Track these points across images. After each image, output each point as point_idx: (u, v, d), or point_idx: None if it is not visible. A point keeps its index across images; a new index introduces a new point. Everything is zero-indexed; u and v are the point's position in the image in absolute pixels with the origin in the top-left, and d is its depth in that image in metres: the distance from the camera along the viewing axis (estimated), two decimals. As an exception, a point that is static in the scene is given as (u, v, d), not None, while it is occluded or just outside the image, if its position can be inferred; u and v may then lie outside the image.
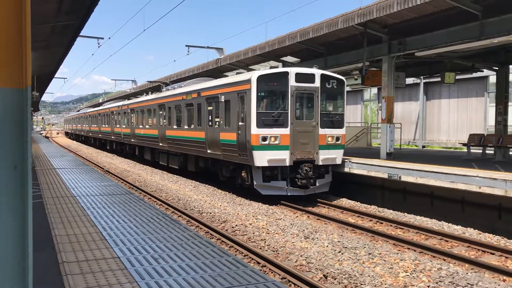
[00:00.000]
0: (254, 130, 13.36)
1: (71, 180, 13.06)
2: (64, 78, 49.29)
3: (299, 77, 13.78)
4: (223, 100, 15.36)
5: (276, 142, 13.47)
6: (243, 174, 14.43)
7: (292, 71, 13.81)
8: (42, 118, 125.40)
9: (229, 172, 15.67)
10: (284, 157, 13.55)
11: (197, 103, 17.76)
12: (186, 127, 18.98)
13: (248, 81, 13.67)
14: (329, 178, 14.61)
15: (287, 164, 13.62)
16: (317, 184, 14.07)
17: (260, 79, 13.48)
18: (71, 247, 5.80)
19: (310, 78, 13.97)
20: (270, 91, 13.93)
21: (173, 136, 20.43)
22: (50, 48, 18.35)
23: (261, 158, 13.34)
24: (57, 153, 26.30)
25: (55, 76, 31.59)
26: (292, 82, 13.65)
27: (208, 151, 16.44)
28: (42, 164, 18.22)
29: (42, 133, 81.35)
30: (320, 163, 14.04)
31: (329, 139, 14.24)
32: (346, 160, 14.87)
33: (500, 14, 11.83)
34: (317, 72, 14.16)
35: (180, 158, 20.26)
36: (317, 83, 14.02)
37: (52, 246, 5.87)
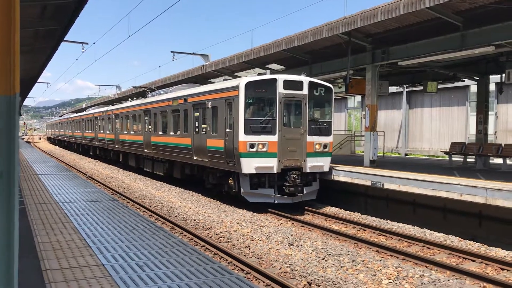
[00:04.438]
0: (242, 137, 13.25)
1: (53, 186, 12.91)
2: (47, 82, 48.70)
3: (287, 84, 13.73)
4: (210, 107, 15.25)
5: (264, 149, 13.38)
6: (230, 181, 14.30)
7: (280, 78, 13.75)
8: (24, 123, 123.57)
9: (215, 179, 15.51)
10: (271, 164, 13.46)
11: (183, 109, 17.62)
12: (172, 133, 18.81)
13: (236, 88, 13.59)
14: (316, 186, 14.59)
15: (275, 172, 13.52)
16: (305, 192, 14.03)
17: (248, 85, 13.41)
18: (54, 254, 5.74)
19: (298, 85, 13.93)
20: (258, 98, 13.83)
21: (159, 143, 20.23)
22: (33, 53, 18.15)
23: (249, 166, 13.24)
24: (39, 158, 25.97)
25: (38, 80, 31.20)
26: (280, 89, 13.57)
27: (195, 158, 16.30)
28: (24, 170, 17.98)
29: (23, 138, 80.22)
30: (308, 171, 13.98)
31: (317, 146, 14.21)
32: (330, 168, 14.95)
33: (481, 25, 12.12)
34: (305, 79, 14.13)
35: (165, 165, 20.06)
36: (305, 90, 13.99)
37: (35, 254, 5.81)
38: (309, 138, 14.06)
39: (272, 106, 13.69)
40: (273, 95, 13.57)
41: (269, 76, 14.13)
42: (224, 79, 18.02)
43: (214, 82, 22.21)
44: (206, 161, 15.39)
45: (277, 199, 13.79)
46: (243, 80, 13.78)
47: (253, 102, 13.80)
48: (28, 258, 5.63)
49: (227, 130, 13.99)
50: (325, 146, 14.41)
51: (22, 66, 21.17)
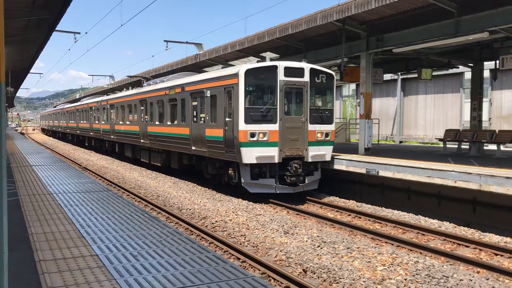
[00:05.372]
0: (242, 126, 12.90)
1: (47, 177, 12.85)
2: (40, 73, 48.32)
3: (288, 71, 13.35)
4: (208, 95, 14.84)
5: (265, 138, 13.08)
6: (230, 171, 14.02)
7: (281, 65, 13.35)
8: (17, 114, 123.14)
9: (215, 170, 15.21)
10: (273, 154, 13.15)
11: (181, 98, 17.21)
12: (169, 123, 18.47)
13: (236, 75, 13.17)
14: (318, 175, 14.33)
15: (276, 161, 13.24)
16: (306, 181, 13.78)
17: (248, 73, 13.00)
18: (48, 245, 5.72)
19: (299, 72, 13.56)
20: (258, 86, 13.46)
21: (155, 133, 19.90)
22: (25, 43, 17.98)
23: (249, 155, 12.92)
24: (33, 149, 25.85)
25: (31, 71, 30.97)
26: (281, 76, 13.20)
27: (193, 148, 15.97)
28: (18, 161, 17.89)
29: (17, 130, 79.85)
30: (310, 160, 13.71)
31: (319, 135, 13.91)
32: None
33: (475, 11, 12.07)
34: (306, 66, 13.75)
35: (162, 155, 19.74)
36: (307, 77, 13.62)
37: (29, 245, 5.79)
38: (311, 127, 13.75)
39: (272, 94, 13.31)
40: (274, 83, 13.20)
41: (269, 63, 13.71)
42: (222, 67, 17.65)
43: (208, 71, 22.07)
44: (205, 151, 15.07)
45: (279, 189, 13.50)
46: (242, 67, 13.34)
47: (253, 90, 13.39)
48: (21, 249, 5.61)
49: (227, 119, 13.64)
50: (326, 135, 14.10)
51: (14, 56, 20.98)
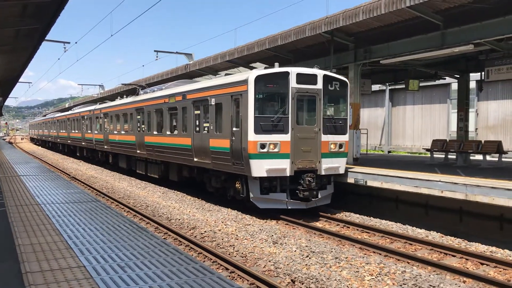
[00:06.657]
0: (252, 136, 12.10)
1: (35, 187, 12.77)
2: (29, 82, 48.07)
3: (301, 78, 12.55)
4: (213, 103, 14.04)
5: (276, 149, 12.26)
6: (237, 185, 13.20)
7: (293, 71, 12.54)
8: (6, 123, 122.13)
9: (219, 183, 14.37)
10: (284, 166, 12.31)
11: (182, 107, 16.33)
12: (168, 133, 17.61)
13: (245, 82, 12.38)
14: (331, 189, 13.52)
15: (288, 174, 12.39)
16: (319, 196, 12.95)
17: (258, 79, 12.19)
18: (35, 256, 5.70)
19: (312, 79, 12.75)
20: (268, 93, 12.65)
21: (153, 143, 19.04)
22: (15, 52, 17.91)
23: (259, 168, 12.09)
24: (22, 159, 25.65)
25: (20, 80, 30.78)
26: (293, 83, 12.42)
27: (195, 159, 15.15)
28: (5, 171, 17.74)
29: (5, 139, 79.14)
30: (323, 173, 12.88)
31: (332, 146, 13.11)
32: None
33: (460, 24, 12.32)
34: (319, 72, 12.94)
35: (160, 167, 18.94)
36: (320, 84, 12.83)
37: (15, 256, 5.76)
38: (324, 137, 12.95)
39: (284, 102, 12.52)
40: (285, 90, 12.40)
41: (280, 69, 12.77)
42: (226, 74, 17.11)
43: (198, 81, 22.11)
44: (209, 163, 14.23)
45: (290, 204, 12.64)
46: (252, 73, 12.62)
47: (263, 98, 12.50)
48: (8, 261, 5.58)
49: (234, 129, 12.84)
50: (340, 146, 13.30)
51: (3, 65, 20.88)
